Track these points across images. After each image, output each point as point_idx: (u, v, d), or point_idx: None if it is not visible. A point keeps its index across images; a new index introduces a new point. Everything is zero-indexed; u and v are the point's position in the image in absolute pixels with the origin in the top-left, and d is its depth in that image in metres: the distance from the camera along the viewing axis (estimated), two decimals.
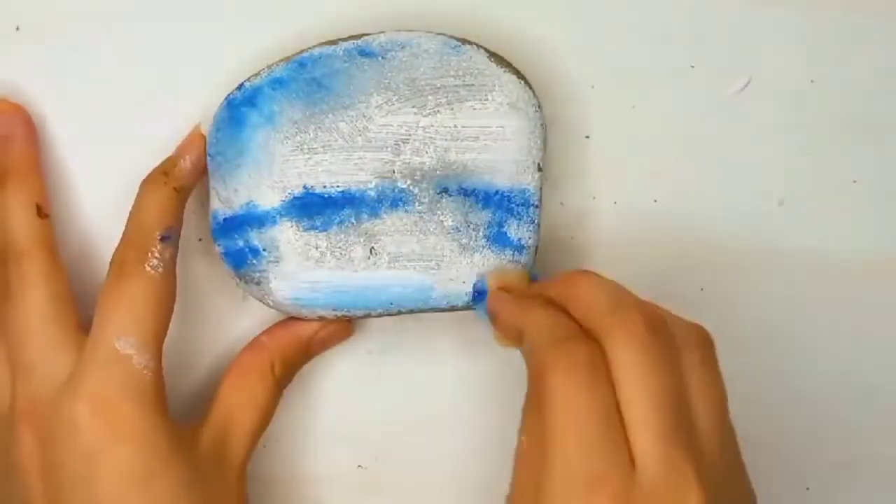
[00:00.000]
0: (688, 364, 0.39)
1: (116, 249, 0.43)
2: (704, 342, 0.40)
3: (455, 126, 0.44)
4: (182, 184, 0.44)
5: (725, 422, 0.39)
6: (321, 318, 0.45)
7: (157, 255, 0.43)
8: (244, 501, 0.44)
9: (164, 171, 0.44)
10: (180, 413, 0.45)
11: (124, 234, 0.43)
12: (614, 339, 0.38)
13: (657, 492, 0.36)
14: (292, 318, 0.46)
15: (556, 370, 0.38)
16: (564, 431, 0.37)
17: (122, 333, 0.42)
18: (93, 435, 0.41)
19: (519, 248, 0.44)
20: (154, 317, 0.42)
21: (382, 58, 0.43)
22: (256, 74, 0.44)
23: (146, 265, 0.42)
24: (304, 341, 0.46)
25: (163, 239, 0.43)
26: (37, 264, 0.43)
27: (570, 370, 0.38)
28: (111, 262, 0.43)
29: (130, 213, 0.44)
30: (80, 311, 0.44)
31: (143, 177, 0.44)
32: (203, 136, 0.45)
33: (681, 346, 0.39)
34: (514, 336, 0.42)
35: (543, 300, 0.41)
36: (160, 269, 0.43)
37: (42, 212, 0.44)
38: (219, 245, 0.44)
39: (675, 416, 0.37)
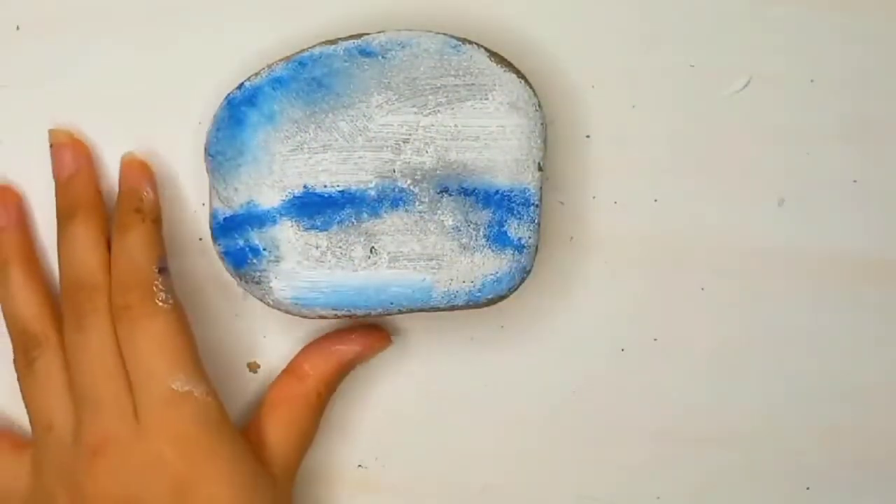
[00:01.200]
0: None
1: (115, 294, 0.43)
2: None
3: (455, 125, 0.44)
4: (155, 214, 0.45)
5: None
6: (321, 318, 0.45)
7: (162, 288, 0.43)
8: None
9: (135, 209, 0.44)
10: None
11: (117, 276, 0.43)
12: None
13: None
14: (330, 339, 0.46)
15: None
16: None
17: (171, 376, 0.42)
18: (181, 469, 0.41)
19: (519, 248, 0.44)
20: (187, 346, 0.43)
21: (383, 57, 0.43)
22: (256, 74, 0.44)
23: (157, 300, 0.43)
24: (343, 365, 0.46)
25: (160, 271, 0.43)
26: (108, 299, 0.43)
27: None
28: (116, 308, 0.43)
29: (116, 256, 0.44)
30: None
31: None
32: (144, 163, 0.45)
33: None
34: None
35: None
36: (170, 301, 0.43)
37: (109, 245, 0.44)
38: (219, 244, 0.44)
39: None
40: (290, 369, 0.46)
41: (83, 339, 0.43)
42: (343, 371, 0.47)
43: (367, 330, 0.47)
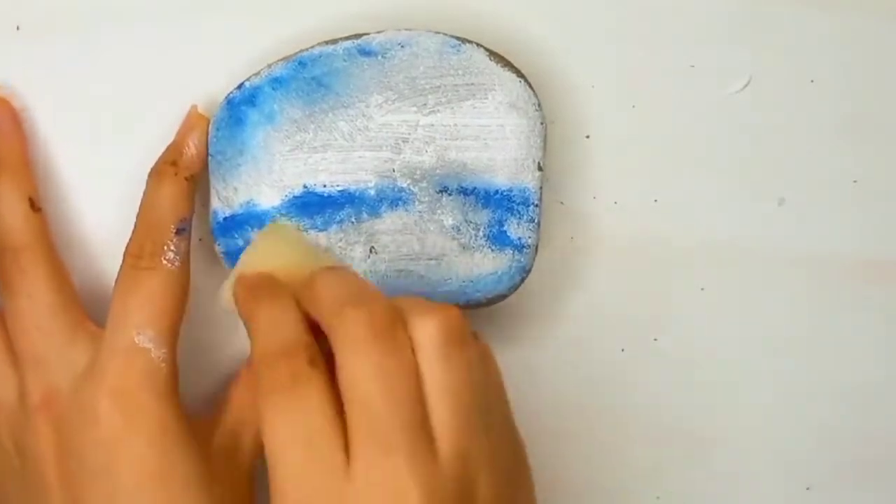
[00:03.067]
0: (424, 360, 0.36)
1: (130, 241, 0.43)
2: (447, 330, 0.37)
3: (455, 125, 0.44)
4: (192, 172, 0.44)
5: (463, 419, 0.36)
6: None
7: (172, 248, 0.43)
8: (253, 495, 0.45)
9: (171, 161, 0.44)
10: None
11: (137, 227, 0.43)
12: (335, 339, 0.36)
13: (371, 499, 0.35)
14: None
15: (260, 397, 0.37)
16: (271, 463, 0.36)
17: (140, 327, 0.42)
18: (112, 425, 0.41)
19: (519, 248, 0.44)
20: (171, 310, 0.43)
21: (382, 57, 0.43)
22: (256, 74, 0.44)
23: (163, 258, 0.43)
24: None
25: (178, 231, 0.43)
26: (37, 258, 0.43)
27: (269, 394, 0.36)
28: (125, 255, 0.43)
29: (142, 205, 0.44)
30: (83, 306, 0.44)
31: (148, 171, 0.44)
32: (203, 116, 0.45)
33: (417, 339, 0.36)
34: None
35: (282, 294, 0.39)
36: (177, 263, 0.43)
37: (35, 206, 0.44)
38: (219, 244, 0.44)
39: (392, 422, 0.35)
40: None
41: (14, 304, 0.43)
42: None
43: None
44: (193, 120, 0.45)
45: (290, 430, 0.36)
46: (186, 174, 0.44)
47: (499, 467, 0.37)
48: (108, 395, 0.41)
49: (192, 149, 0.44)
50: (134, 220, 0.44)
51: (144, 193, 0.44)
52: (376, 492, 0.35)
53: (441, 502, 0.35)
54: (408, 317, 0.37)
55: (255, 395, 0.43)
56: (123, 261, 0.43)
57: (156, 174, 0.44)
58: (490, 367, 0.39)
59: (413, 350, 0.36)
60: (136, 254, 0.43)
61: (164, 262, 0.43)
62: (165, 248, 0.43)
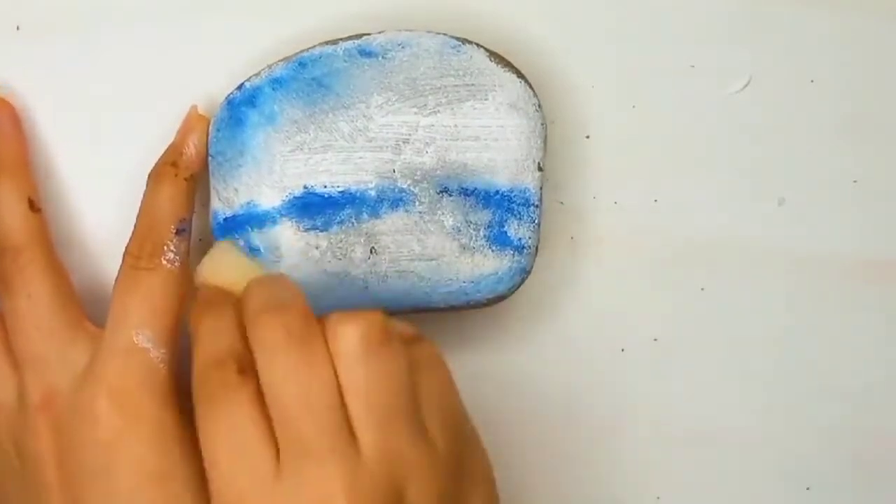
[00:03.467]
0: (342, 363, 0.37)
1: (130, 241, 0.43)
2: (364, 333, 0.37)
3: (455, 126, 0.44)
4: (192, 172, 0.44)
5: (385, 421, 0.37)
6: None
7: (172, 248, 0.43)
8: None
9: (171, 162, 0.44)
10: None
11: (138, 226, 0.43)
12: (254, 348, 0.38)
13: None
14: None
15: (196, 402, 0.38)
16: (209, 470, 0.38)
17: (139, 327, 0.42)
18: (111, 425, 0.41)
19: (519, 248, 0.44)
20: (171, 311, 0.43)
21: (383, 57, 0.43)
22: (256, 74, 0.44)
23: (162, 259, 0.43)
24: None
25: (178, 232, 0.43)
26: (36, 258, 0.43)
27: (203, 402, 0.38)
28: (125, 254, 0.43)
29: (142, 205, 0.44)
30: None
31: (148, 172, 0.44)
32: (202, 117, 0.45)
33: (336, 343, 0.37)
34: None
35: (223, 304, 0.40)
36: (176, 263, 0.43)
37: (34, 206, 0.44)
38: None
39: (310, 426, 0.36)
40: None
41: (14, 304, 0.43)
42: None
43: None
44: (193, 121, 0.45)
45: (223, 437, 0.37)
46: (186, 175, 0.44)
47: (436, 474, 0.38)
48: (107, 396, 0.41)
49: (191, 149, 0.44)
50: (134, 220, 0.44)
51: (144, 194, 0.44)
52: (303, 494, 0.36)
53: (370, 498, 0.36)
54: (328, 326, 0.38)
55: None
56: (123, 261, 0.43)
57: (155, 175, 0.44)
58: (433, 371, 0.39)
59: (332, 358, 0.37)
60: (136, 254, 0.43)
61: (164, 262, 0.43)
62: (165, 248, 0.43)
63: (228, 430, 0.37)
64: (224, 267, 0.43)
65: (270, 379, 0.37)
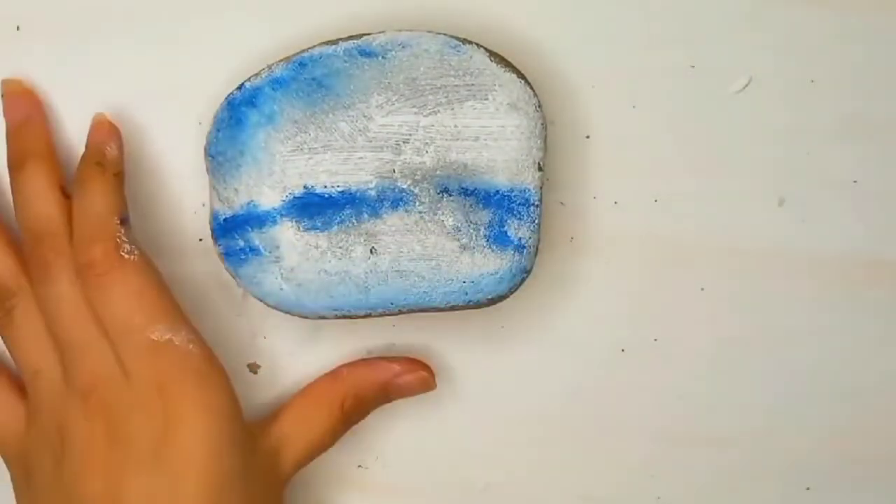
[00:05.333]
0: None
1: (78, 252, 0.43)
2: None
3: (455, 126, 0.44)
4: (117, 169, 0.44)
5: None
6: (321, 318, 0.45)
7: (125, 239, 0.43)
8: None
9: (96, 161, 0.44)
10: None
11: (77, 236, 0.43)
12: None
13: None
14: (378, 359, 0.47)
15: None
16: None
17: (149, 328, 0.42)
18: (163, 414, 0.41)
19: (519, 248, 0.44)
20: (161, 295, 0.43)
21: (383, 57, 0.43)
22: (256, 74, 0.44)
23: (121, 253, 0.42)
24: (382, 383, 0.46)
25: (122, 222, 0.43)
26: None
27: None
28: (80, 266, 0.42)
29: (75, 214, 0.43)
30: None
31: (72, 181, 0.44)
32: (112, 124, 0.45)
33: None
34: None
35: None
36: (135, 252, 0.43)
37: (65, 193, 0.44)
38: (219, 245, 0.44)
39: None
40: (331, 371, 0.46)
41: (53, 290, 0.43)
42: (378, 388, 0.46)
43: (413, 362, 0.47)
44: (100, 126, 0.45)
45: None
46: (115, 170, 0.44)
47: None
48: (154, 389, 0.41)
49: (113, 149, 0.44)
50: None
51: (73, 202, 0.43)
52: None
53: None
54: None
55: (307, 419, 0.45)
56: (81, 272, 0.42)
57: (81, 180, 0.43)
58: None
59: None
60: (90, 262, 0.42)
61: (125, 255, 0.42)
62: (118, 241, 0.42)
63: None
64: None
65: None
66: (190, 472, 0.41)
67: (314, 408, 0.45)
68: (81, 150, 0.45)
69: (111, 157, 0.44)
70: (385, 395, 0.47)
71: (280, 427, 0.45)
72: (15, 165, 0.44)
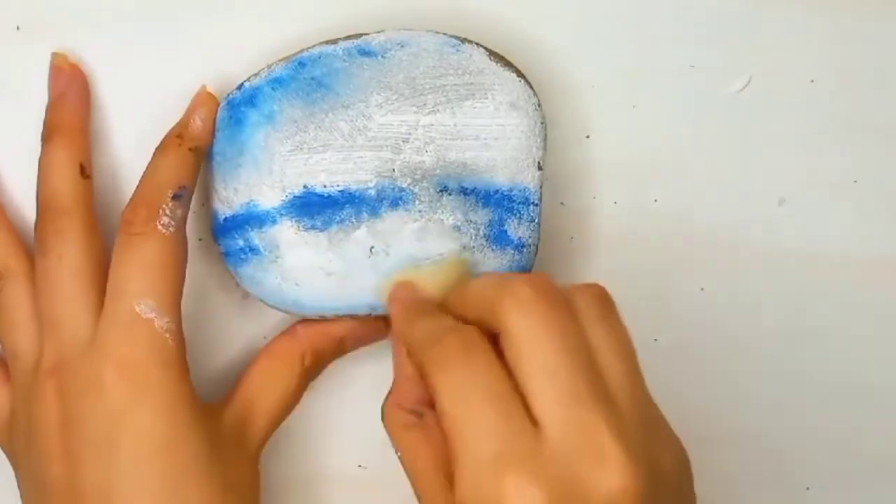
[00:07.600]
0: (587, 321, 0.38)
1: (126, 208, 0.43)
2: (601, 297, 0.39)
3: (455, 125, 0.44)
4: (196, 143, 0.44)
5: (635, 373, 0.39)
6: (322, 318, 0.45)
7: (168, 212, 0.42)
8: (257, 483, 0.45)
9: (177, 133, 0.44)
10: None
11: (135, 193, 0.43)
12: (501, 312, 0.37)
13: (569, 454, 0.36)
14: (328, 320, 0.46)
15: (432, 370, 0.38)
16: (455, 426, 0.37)
17: (139, 297, 0.42)
18: (118, 396, 0.41)
19: (519, 247, 0.44)
20: (169, 278, 0.42)
21: (382, 57, 0.43)
22: (256, 74, 0.44)
23: (157, 223, 0.42)
24: (338, 337, 0.46)
25: (174, 197, 0.43)
26: (75, 222, 0.43)
27: (444, 364, 0.37)
28: (121, 222, 0.43)
29: (144, 174, 0.43)
30: None
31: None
32: (211, 95, 0.45)
33: (576, 305, 0.38)
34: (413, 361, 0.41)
35: (432, 309, 0.41)
36: (171, 228, 0.42)
37: (85, 172, 0.44)
38: (219, 245, 0.44)
39: (575, 376, 0.36)
40: (286, 330, 0.46)
41: (44, 263, 0.43)
42: (333, 342, 0.46)
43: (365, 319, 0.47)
44: (202, 97, 0.45)
45: (479, 393, 0.37)
46: (191, 145, 0.44)
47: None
48: (114, 367, 0.41)
49: (197, 123, 0.44)
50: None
51: (147, 165, 0.44)
52: (574, 448, 0.36)
53: (635, 447, 0.36)
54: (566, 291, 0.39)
55: (271, 376, 0.45)
56: (119, 228, 0.43)
57: (160, 147, 0.44)
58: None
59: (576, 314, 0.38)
60: (130, 219, 0.42)
61: (159, 226, 0.42)
62: (160, 212, 0.42)
63: (483, 386, 0.37)
64: (454, 284, 0.43)
65: (527, 335, 0.37)
66: (145, 460, 0.41)
67: (278, 365, 0.45)
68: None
69: (192, 130, 0.44)
70: (341, 347, 0.46)
71: (246, 390, 0.45)
72: (45, 137, 0.45)
